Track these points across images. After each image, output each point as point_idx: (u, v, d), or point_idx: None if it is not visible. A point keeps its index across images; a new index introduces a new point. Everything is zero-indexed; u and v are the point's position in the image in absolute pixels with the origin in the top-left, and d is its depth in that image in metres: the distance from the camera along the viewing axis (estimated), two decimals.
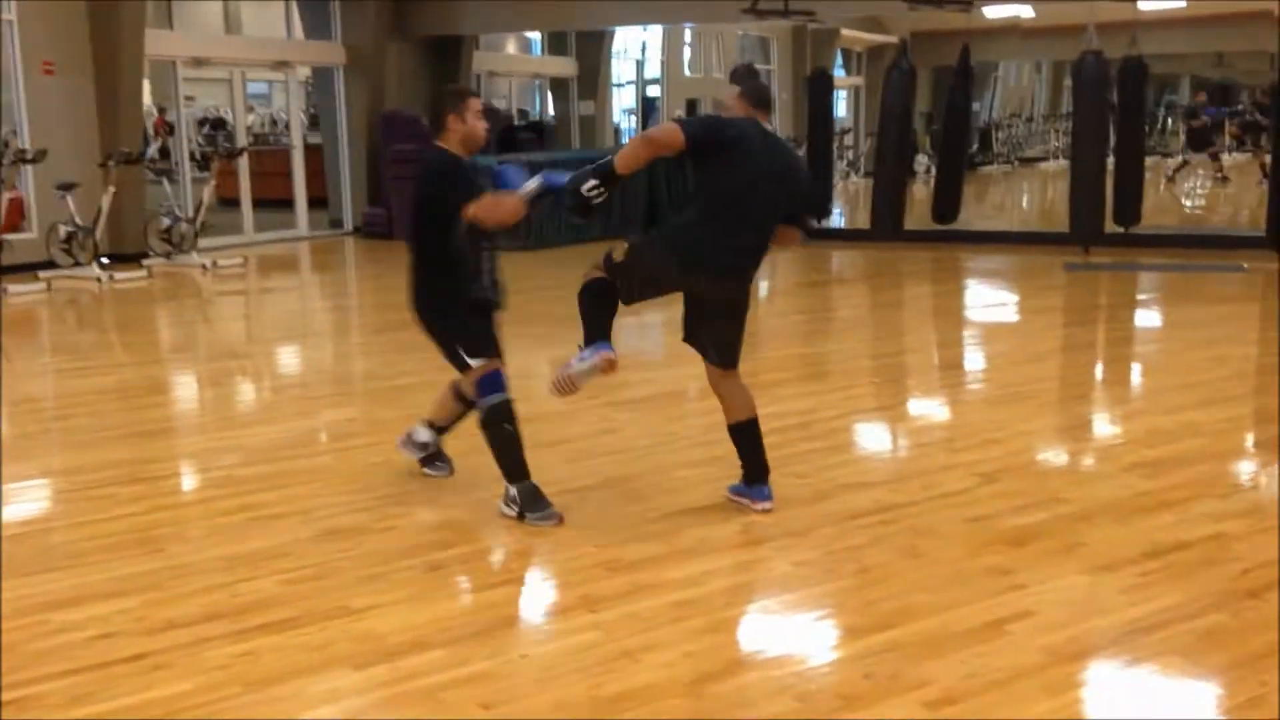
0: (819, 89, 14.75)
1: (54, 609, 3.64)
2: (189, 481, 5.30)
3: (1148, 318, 9.57)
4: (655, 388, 6.87)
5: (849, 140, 24.20)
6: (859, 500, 4.55)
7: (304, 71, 15.85)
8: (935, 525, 4.25)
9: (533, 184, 4.38)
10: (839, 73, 24.06)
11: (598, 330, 4.55)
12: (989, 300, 10.83)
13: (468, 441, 5.06)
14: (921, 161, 22.21)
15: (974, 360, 7.84)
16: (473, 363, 4.50)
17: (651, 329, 9.68)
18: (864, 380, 7.17)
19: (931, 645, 3.27)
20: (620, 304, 4.67)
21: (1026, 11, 17.85)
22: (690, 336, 4.77)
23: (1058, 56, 27.64)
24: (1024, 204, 21.25)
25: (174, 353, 8.90)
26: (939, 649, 3.25)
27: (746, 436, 4.57)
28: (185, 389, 7.56)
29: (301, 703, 3.06)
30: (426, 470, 4.99)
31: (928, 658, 3.20)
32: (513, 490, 4.45)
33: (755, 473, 4.54)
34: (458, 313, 4.55)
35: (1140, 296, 10.42)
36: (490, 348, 4.56)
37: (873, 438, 5.81)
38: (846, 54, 25.40)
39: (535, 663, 3.26)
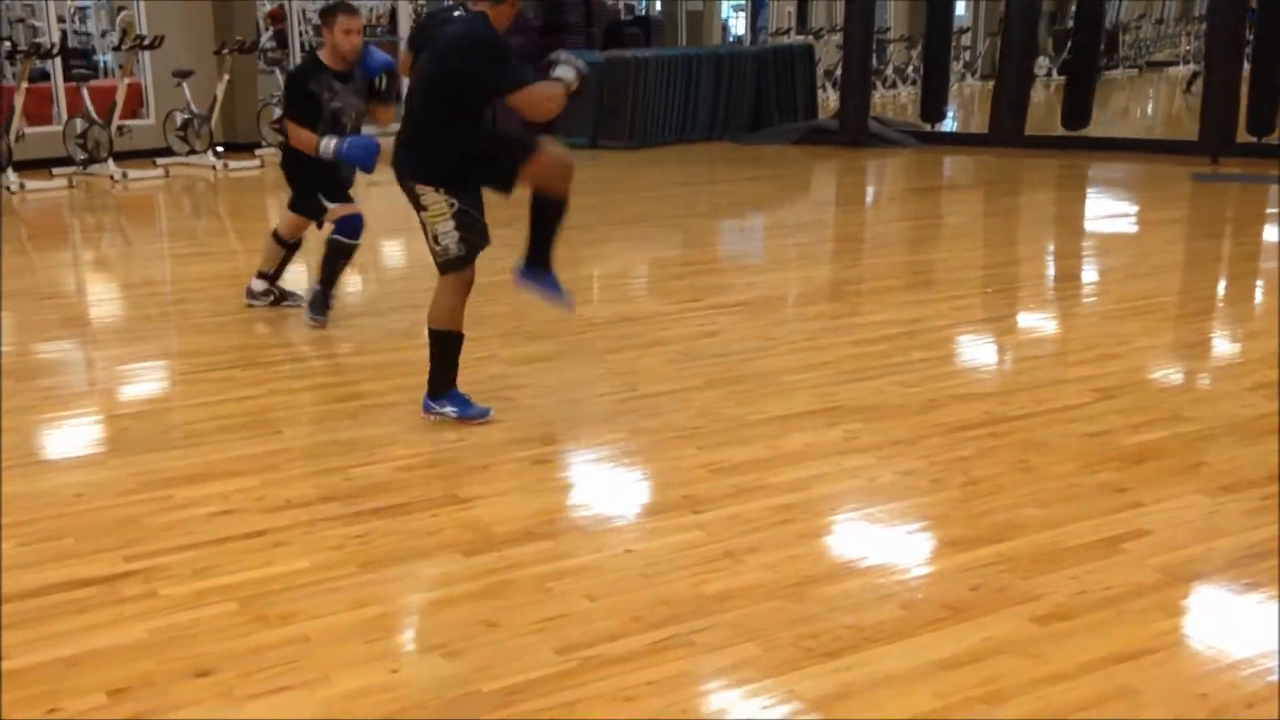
0: None
1: (176, 485, 3.78)
2: (303, 368, 5.41)
3: (1277, 233, 9.13)
4: (758, 291, 6.80)
5: (966, 40, 23.31)
6: (968, 411, 4.46)
7: None
8: (1048, 440, 4.15)
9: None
10: None
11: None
12: (1109, 210, 10.44)
13: (565, 345, 5.07)
14: (1042, 64, 21.32)
15: (1091, 272, 7.58)
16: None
17: (753, 232, 9.58)
18: (974, 290, 6.99)
19: (1042, 560, 3.22)
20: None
21: None
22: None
23: None
24: (1150, 110, 20.32)
25: None
26: (1049, 564, 3.19)
27: (430, 344, 4.36)
28: (297, 276, 7.70)
29: (413, 584, 3.14)
30: (286, 304, 6.02)
31: (1037, 572, 3.14)
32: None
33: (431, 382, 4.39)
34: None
35: (1271, 210, 9.92)
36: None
37: (983, 349, 5.68)
38: None
39: (639, 558, 3.29)
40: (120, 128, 10.87)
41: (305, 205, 5.77)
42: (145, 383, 5.17)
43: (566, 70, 4.08)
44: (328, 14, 5.35)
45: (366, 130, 5.67)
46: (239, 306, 6.42)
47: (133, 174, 10.65)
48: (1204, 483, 3.74)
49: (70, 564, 3.21)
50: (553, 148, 4.28)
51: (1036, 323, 6.29)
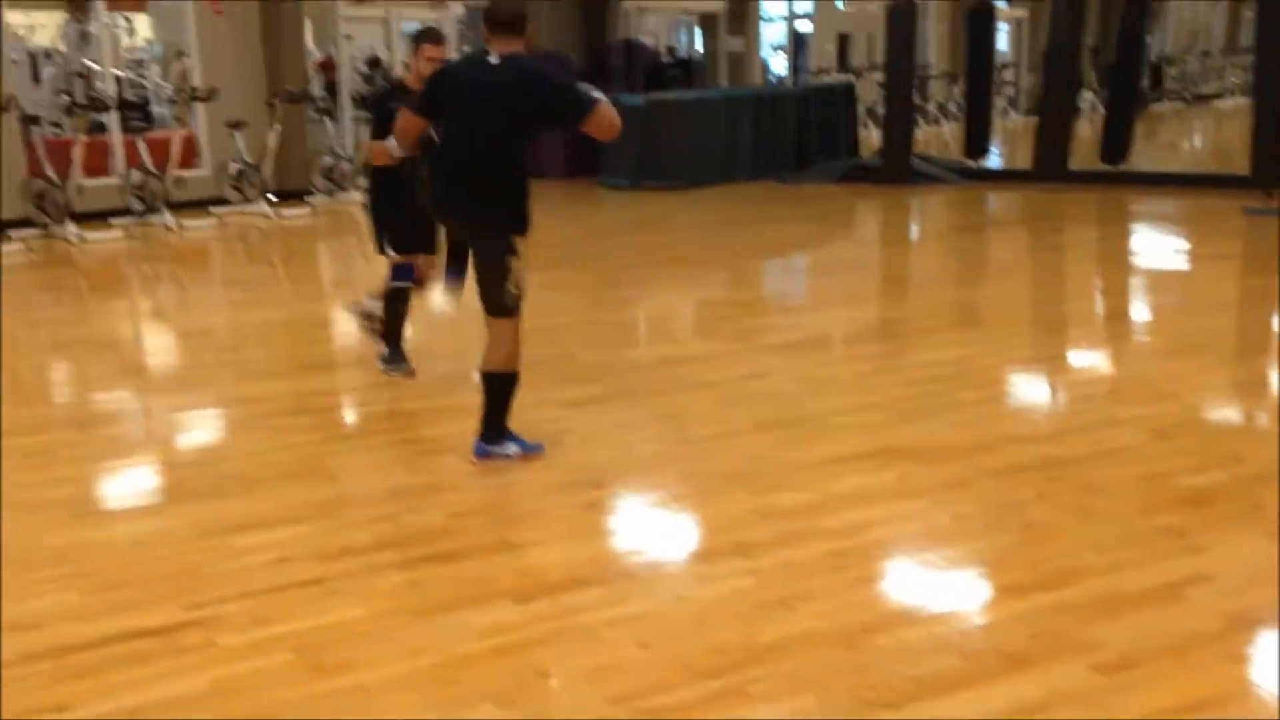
0: (980, 22, 14.20)
1: (233, 533, 3.82)
2: (354, 414, 5.48)
3: None
4: (804, 332, 6.79)
5: (1008, 76, 23.26)
6: (1022, 453, 4.42)
7: (458, 9, 15.99)
8: (1105, 482, 4.10)
9: None
10: (1000, 4, 23.06)
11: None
12: (1159, 246, 10.33)
13: (613, 387, 5.10)
14: (1086, 98, 21.20)
15: (1143, 309, 7.50)
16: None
17: (798, 271, 9.58)
18: (1023, 328, 6.94)
19: (1102, 607, 3.17)
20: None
21: None
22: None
23: None
24: (1197, 144, 20.12)
25: (337, 288, 9.19)
26: (1110, 611, 3.14)
27: (488, 390, 4.40)
28: (347, 324, 7.79)
29: (467, 632, 3.15)
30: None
31: (1098, 619, 3.10)
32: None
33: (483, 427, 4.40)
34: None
35: None
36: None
37: (1035, 388, 5.63)
38: None
39: (691, 605, 3.28)
40: (176, 178, 11.10)
41: (377, 244, 5.66)
42: (202, 430, 5.24)
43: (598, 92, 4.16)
44: (417, 39, 5.37)
45: None
46: (291, 353, 6.53)
47: (188, 223, 10.87)
48: (1265, 526, 3.67)
49: (131, 614, 3.25)
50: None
51: (1089, 361, 6.23)
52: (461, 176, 4.29)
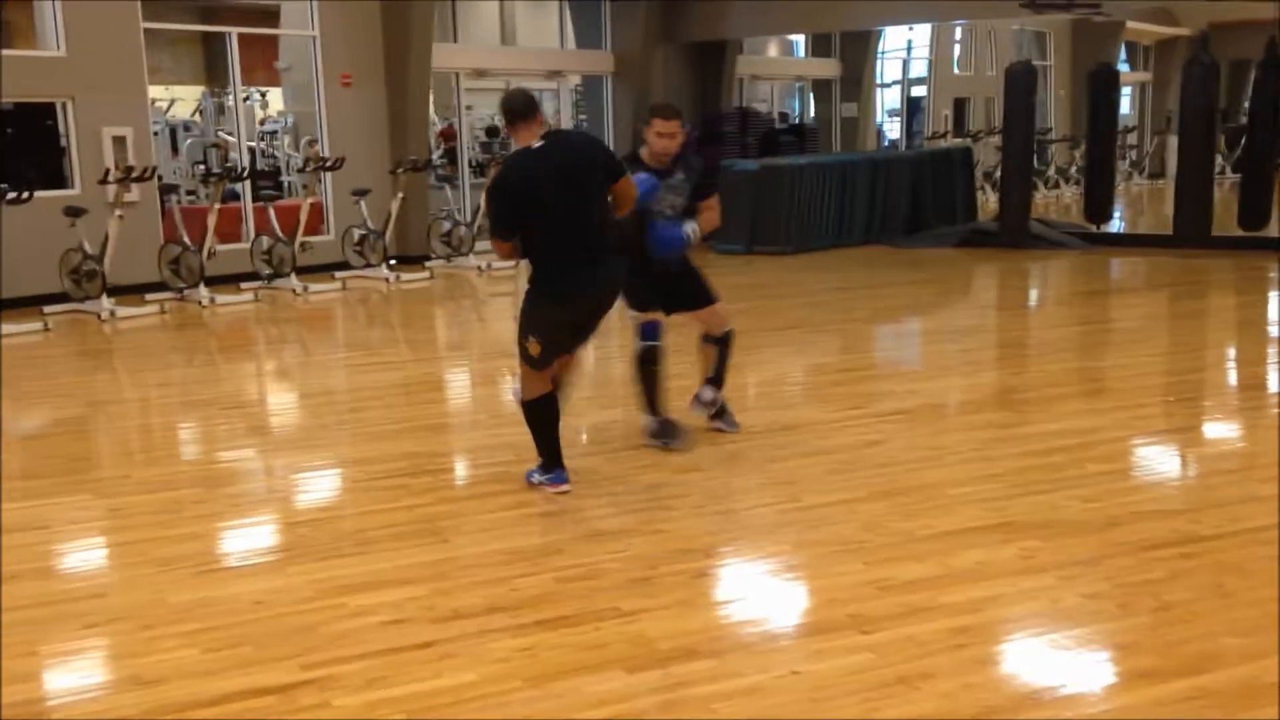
0: (1102, 85, 13.95)
1: (350, 593, 3.87)
2: (469, 476, 5.53)
3: None
4: (919, 399, 6.65)
5: (1132, 139, 22.77)
6: (1155, 529, 4.23)
7: (574, 78, 16.38)
8: (1244, 562, 3.89)
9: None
10: (1123, 68, 22.66)
11: (552, 456, 4.96)
12: None
13: (727, 453, 5.05)
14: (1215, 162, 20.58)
15: (1276, 382, 7.16)
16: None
17: (913, 337, 9.42)
18: (1153, 398, 6.70)
19: (1243, 695, 2.99)
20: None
21: None
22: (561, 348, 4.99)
23: None
24: None
25: (453, 351, 9.37)
26: (1251, 700, 2.97)
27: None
28: (463, 386, 7.94)
29: (579, 701, 3.12)
30: (719, 424, 5.73)
31: (1239, 709, 2.93)
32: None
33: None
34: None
35: None
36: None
37: (1167, 462, 5.40)
38: (1131, 48, 23.91)
39: (807, 680, 3.20)
40: (303, 244, 11.51)
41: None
42: (321, 490, 5.35)
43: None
44: (649, 113, 5.40)
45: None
46: (408, 414, 6.64)
47: (313, 287, 11.23)
48: None
49: (250, 672, 3.31)
50: None
51: (1223, 434, 5.96)
52: (595, 246, 4.74)
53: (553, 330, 4.81)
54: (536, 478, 4.94)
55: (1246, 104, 23.15)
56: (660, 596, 3.80)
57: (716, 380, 5.68)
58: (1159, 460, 5.42)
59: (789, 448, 5.50)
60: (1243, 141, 19.69)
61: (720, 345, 5.65)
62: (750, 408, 6.25)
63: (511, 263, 5.26)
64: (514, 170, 4.72)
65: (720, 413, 5.73)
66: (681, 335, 5.92)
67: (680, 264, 5.47)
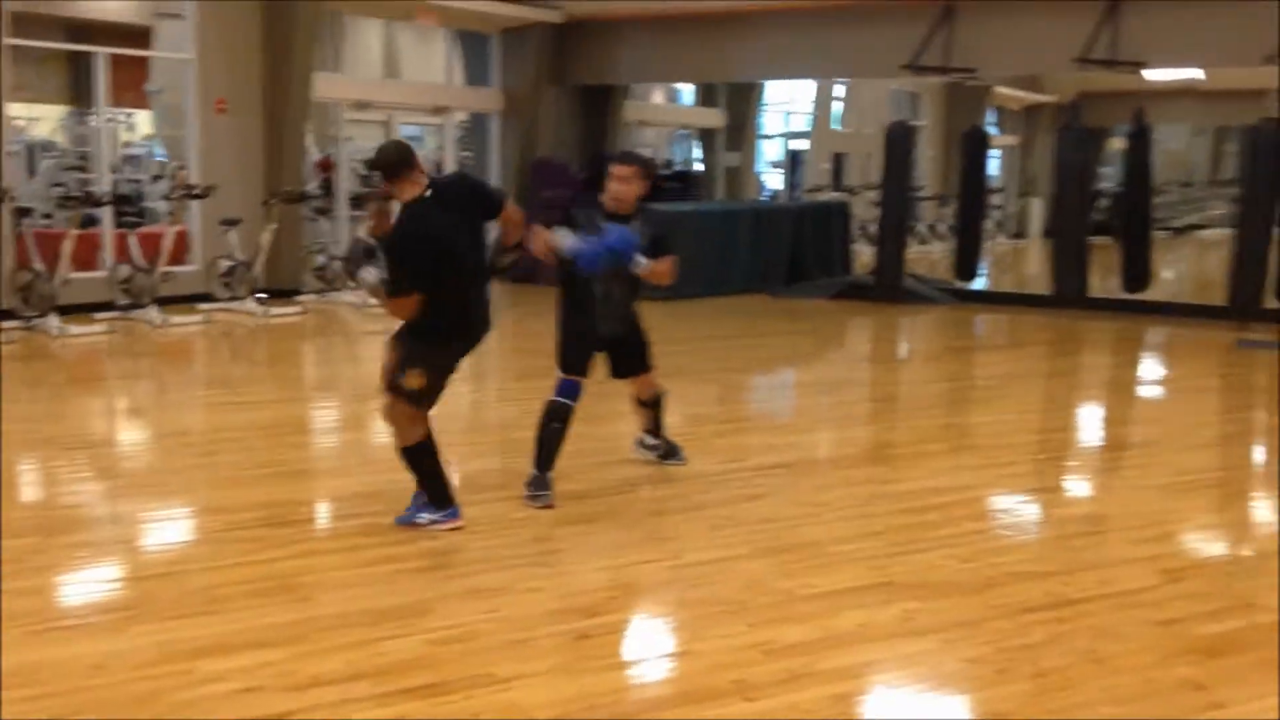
0: (974, 146, 14.38)
1: (199, 656, 3.60)
2: (334, 527, 5.27)
3: None
4: (798, 453, 6.64)
5: (997, 200, 23.57)
6: (1030, 592, 4.24)
7: (460, 115, 16.18)
8: (1117, 626, 3.91)
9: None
10: (991, 131, 23.49)
11: (445, 494, 4.91)
12: (1152, 374, 10.29)
13: (606, 506, 4.93)
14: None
15: (1144, 442, 7.36)
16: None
17: (792, 389, 9.46)
18: (1022, 455, 6.81)
19: None
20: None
21: (1199, 74, 17.12)
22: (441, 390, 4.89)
23: (1221, 121, 26.55)
24: (1173, 274, 20.28)
25: (322, 391, 9.04)
26: None
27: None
28: (332, 429, 7.64)
29: None
30: (670, 461, 5.91)
31: None
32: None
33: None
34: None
35: None
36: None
37: (1039, 522, 5.45)
38: (999, 112, 24.83)
39: None
40: (165, 273, 11.01)
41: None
42: (172, 541, 5.03)
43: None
44: (608, 159, 5.49)
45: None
46: (271, 458, 6.33)
47: (174, 319, 10.74)
48: None
49: None
50: None
51: (1092, 494, 6.08)
52: (487, 296, 4.92)
53: (443, 372, 4.78)
54: (426, 517, 4.84)
55: (1104, 169, 24.38)
56: (537, 661, 3.63)
57: (657, 430, 5.92)
58: (1030, 519, 5.48)
59: (670, 501, 5.40)
60: (1098, 204, 20.61)
61: (653, 407, 5.84)
62: (631, 459, 6.13)
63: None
64: (420, 222, 4.61)
65: (669, 452, 5.96)
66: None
67: (630, 324, 5.49)
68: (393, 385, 4.72)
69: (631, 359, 5.57)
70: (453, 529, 4.80)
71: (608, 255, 5.08)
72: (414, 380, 4.64)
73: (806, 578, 4.39)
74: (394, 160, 4.65)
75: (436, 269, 4.59)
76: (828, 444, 7.05)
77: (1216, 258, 21.12)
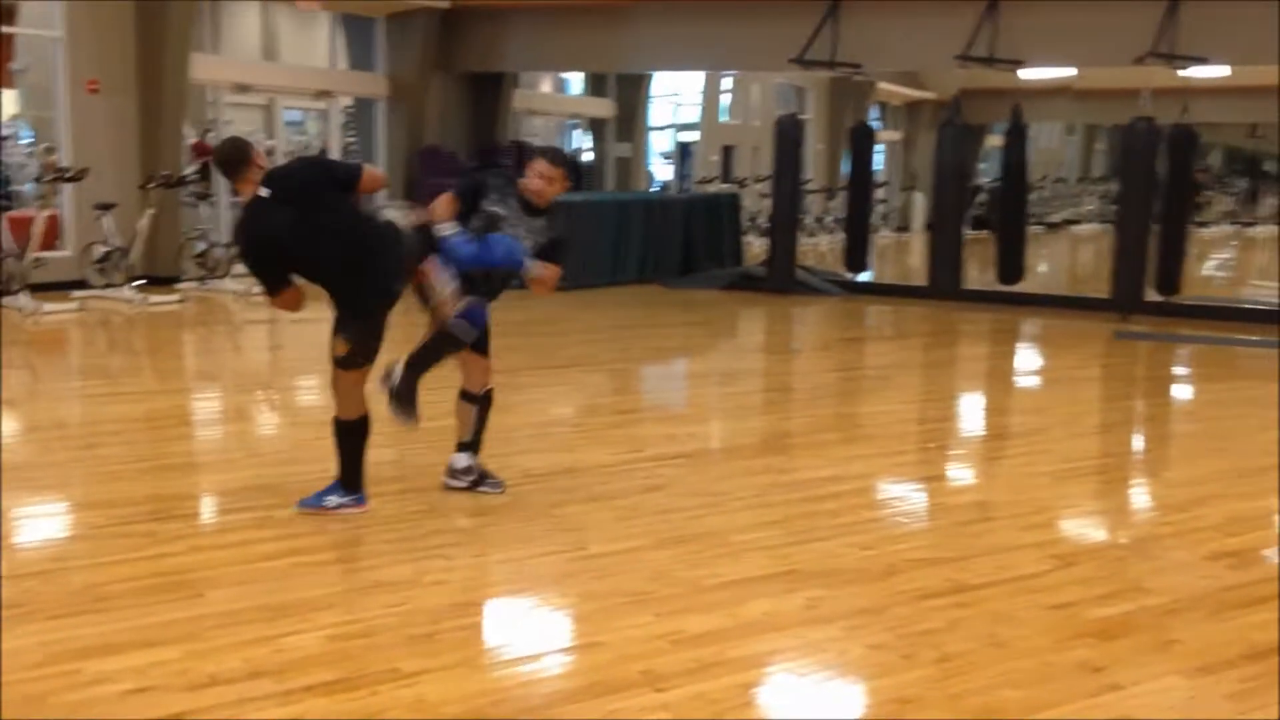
0: (860, 141, 14.66)
1: (87, 657, 3.44)
2: (225, 521, 5.09)
3: (1204, 392, 9.32)
4: (696, 443, 6.67)
5: (881, 194, 24.09)
6: (930, 578, 4.32)
7: (344, 100, 15.83)
8: (1015, 611, 4.01)
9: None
10: (875, 125, 23.97)
11: (358, 479, 4.89)
12: (1035, 365, 10.62)
13: (508, 497, 4.88)
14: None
15: (1030, 430, 7.59)
16: None
17: (689, 379, 9.51)
18: (914, 444, 6.96)
19: None
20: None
21: (1073, 73, 17.74)
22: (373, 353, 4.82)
23: (1093, 120, 27.59)
24: (1046, 268, 21.03)
25: (205, 381, 8.74)
26: None
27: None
28: (216, 421, 7.39)
29: None
30: (483, 489, 5.21)
31: None
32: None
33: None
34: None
35: (1195, 369, 10.18)
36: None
37: (935, 509, 5.57)
38: (882, 108, 25.36)
39: None
40: (36, 259, 10.52)
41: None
42: (52, 538, 4.80)
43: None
44: (533, 155, 5.18)
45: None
46: (154, 451, 6.10)
47: (46, 306, 10.27)
48: (1180, 663, 3.62)
49: None
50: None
51: (984, 482, 6.23)
52: (378, 263, 4.70)
53: (365, 335, 4.72)
54: (333, 500, 4.80)
55: (981, 165, 25.13)
56: (443, 655, 3.56)
57: (474, 445, 5.19)
58: (924, 507, 5.59)
59: (572, 492, 5.36)
60: (976, 199, 21.24)
61: (480, 405, 5.20)
62: (530, 449, 6.08)
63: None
64: (255, 223, 4.61)
65: (480, 479, 5.21)
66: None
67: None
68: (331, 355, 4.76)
69: (482, 336, 5.15)
70: (358, 512, 4.78)
71: (484, 266, 4.91)
72: (339, 348, 4.69)
73: (711, 567, 4.40)
74: (231, 157, 4.65)
75: (285, 267, 4.63)
76: (725, 434, 7.09)
77: (1089, 251, 22.01)
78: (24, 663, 3.38)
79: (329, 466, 4.94)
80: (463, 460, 5.21)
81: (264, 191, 4.58)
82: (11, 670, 3.33)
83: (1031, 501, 5.45)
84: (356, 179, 4.74)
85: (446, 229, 4.89)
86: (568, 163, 5.22)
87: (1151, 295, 12.02)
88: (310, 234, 4.58)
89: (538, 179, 5.04)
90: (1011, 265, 13.13)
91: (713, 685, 3.39)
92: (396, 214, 4.84)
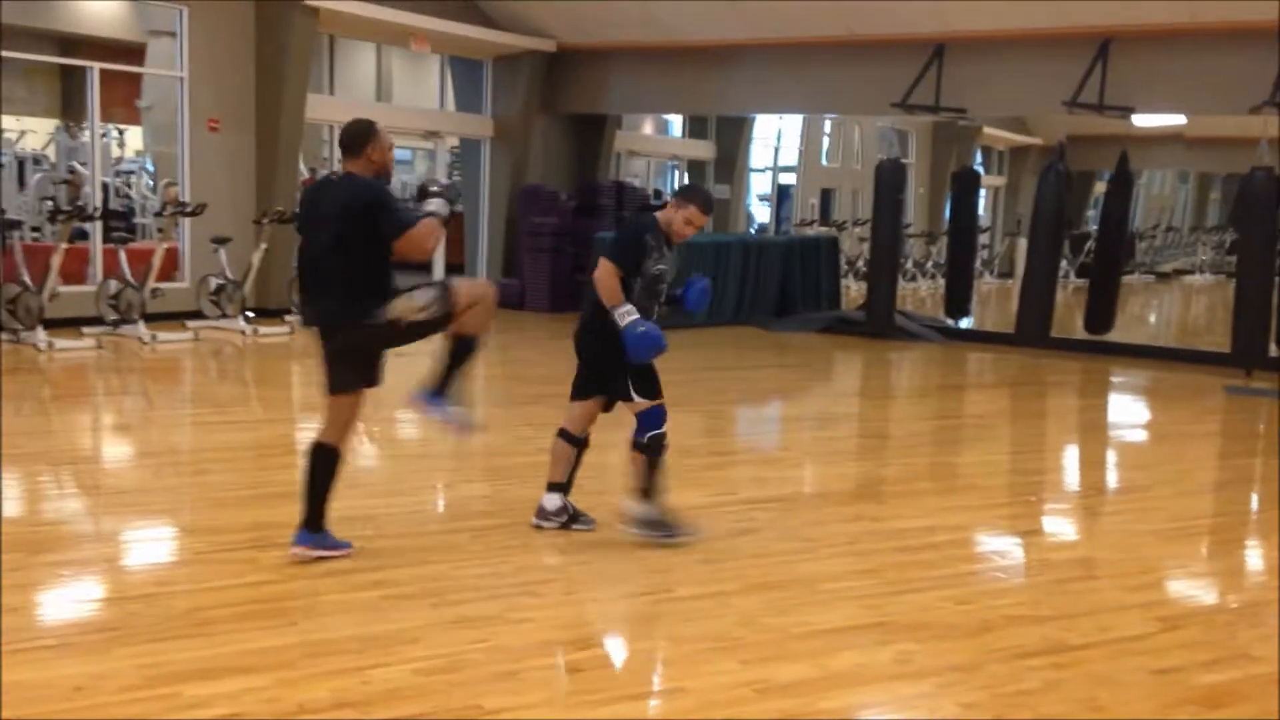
0: (964, 186, 14.49)
1: (183, 680, 3.53)
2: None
3: None
4: (792, 487, 6.61)
5: (984, 239, 23.72)
6: (1027, 636, 4.20)
7: (451, 140, 16.19)
8: (1115, 674, 3.88)
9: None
10: (979, 170, 23.66)
11: (319, 515, 4.77)
12: (1144, 419, 10.30)
13: (598, 537, 4.88)
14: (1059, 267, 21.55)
15: (1136, 486, 7.36)
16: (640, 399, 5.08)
17: (784, 422, 9.44)
18: (1015, 496, 6.79)
19: None
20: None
21: (1182, 120, 17.30)
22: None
23: (1205, 168, 26.83)
24: (1161, 318, 20.43)
25: (311, 412, 8.94)
26: None
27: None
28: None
29: None
30: (575, 527, 5.20)
31: None
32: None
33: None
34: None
35: None
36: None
37: (1035, 565, 5.42)
38: (986, 152, 25.02)
39: None
40: (154, 290, 10.94)
41: (612, 386, 5.16)
42: (157, 561, 4.95)
43: (438, 204, 4.59)
44: (687, 196, 5.09)
45: None
46: (260, 479, 6.26)
47: (162, 336, 10.65)
48: None
49: None
50: (475, 287, 4.77)
51: (1086, 538, 6.04)
52: (318, 291, 4.66)
53: (341, 359, 4.77)
54: (312, 548, 4.65)
55: (1090, 213, 24.59)
56: (525, 694, 3.57)
57: (566, 486, 5.26)
58: (1024, 562, 5.44)
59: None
60: (1086, 247, 20.79)
61: (579, 448, 5.34)
62: (620, 490, 6.08)
63: None
64: (311, 187, 5.15)
65: (573, 518, 5.25)
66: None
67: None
68: None
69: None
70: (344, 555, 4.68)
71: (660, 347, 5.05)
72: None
73: (800, 615, 4.34)
74: (341, 139, 4.69)
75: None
76: (821, 479, 7.01)
77: (1202, 303, 21.33)
78: (122, 684, 3.48)
79: (426, 499, 5.02)
80: (555, 501, 5.23)
81: (335, 177, 4.73)
82: (110, 692, 3.43)
83: (1136, 560, 5.27)
84: (395, 234, 4.48)
85: (624, 315, 4.89)
86: (712, 209, 5.26)
87: (1275, 350, 11.57)
88: (316, 221, 4.64)
89: (688, 226, 5.05)
90: (1101, 314, 12.80)
91: None
92: (438, 204, 4.62)
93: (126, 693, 3.43)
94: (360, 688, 3.55)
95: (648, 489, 5.07)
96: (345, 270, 4.53)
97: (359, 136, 4.59)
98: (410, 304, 4.58)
